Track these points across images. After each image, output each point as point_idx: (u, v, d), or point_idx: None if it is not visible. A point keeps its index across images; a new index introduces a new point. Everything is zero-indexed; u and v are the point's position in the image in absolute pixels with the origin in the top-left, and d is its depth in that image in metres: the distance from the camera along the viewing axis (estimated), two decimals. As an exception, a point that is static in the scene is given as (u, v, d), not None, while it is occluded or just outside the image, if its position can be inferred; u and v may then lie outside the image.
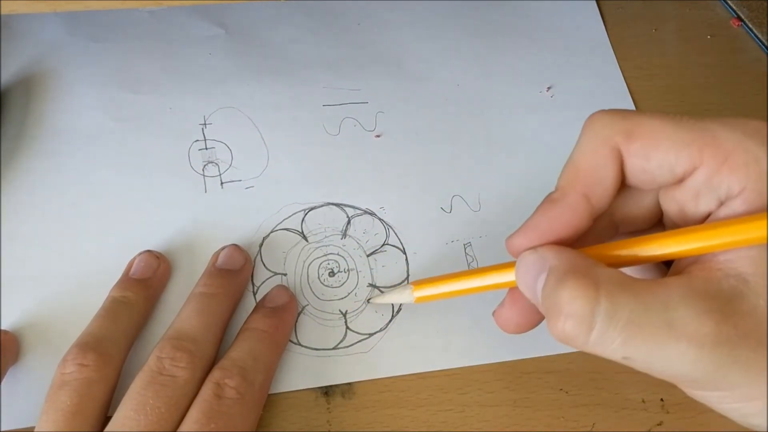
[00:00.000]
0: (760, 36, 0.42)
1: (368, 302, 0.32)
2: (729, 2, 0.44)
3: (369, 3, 0.41)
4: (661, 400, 0.30)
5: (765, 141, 0.20)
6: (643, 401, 0.30)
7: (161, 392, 0.25)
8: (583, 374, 0.31)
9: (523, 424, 0.29)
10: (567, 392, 0.30)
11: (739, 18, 0.43)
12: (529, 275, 0.23)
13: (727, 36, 0.43)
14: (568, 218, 0.23)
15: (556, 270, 0.21)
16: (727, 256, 0.21)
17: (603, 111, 0.23)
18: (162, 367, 0.26)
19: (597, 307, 0.20)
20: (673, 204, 0.24)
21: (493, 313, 0.26)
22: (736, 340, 0.19)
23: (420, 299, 0.29)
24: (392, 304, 0.32)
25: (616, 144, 0.22)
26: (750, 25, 0.43)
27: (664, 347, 0.19)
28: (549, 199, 0.24)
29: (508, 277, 0.25)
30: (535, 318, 0.25)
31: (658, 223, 0.25)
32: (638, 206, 0.25)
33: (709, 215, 0.22)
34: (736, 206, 0.21)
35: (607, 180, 0.23)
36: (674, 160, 0.22)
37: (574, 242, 0.24)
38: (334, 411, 0.29)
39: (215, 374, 0.26)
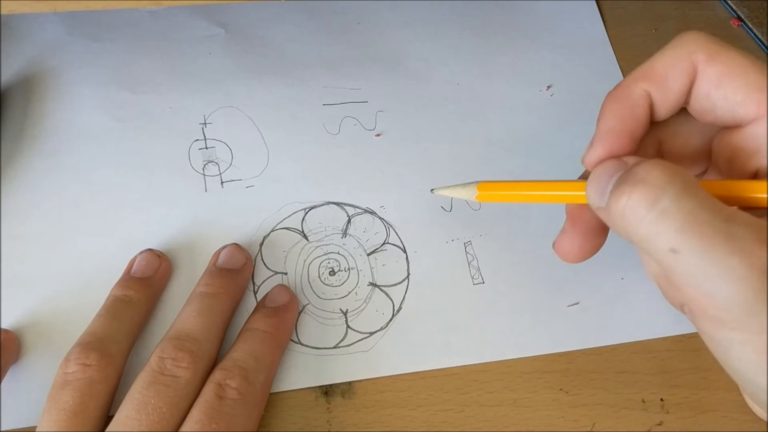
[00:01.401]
0: (760, 36, 0.42)
1: (431, 191, 0.30)
2: (729, 2, 0.44)
3: (369, 2, 0.41)
4: (661, 400, 0.30)
5: None
6: (643, 401, 0.30)
7: (163, 392, 0.25)
8: (583, 374, 0.31)
9: (523, 424, 0.29)
10: (567, 392, 0.30)
11: (739, 18, 0.43)
12: (605, 175, 0.22)
13: (727, 36, 0.43)
14: (631, 111, 0.23)
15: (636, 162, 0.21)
16: None
17: (698, 31, 0.23)
18: (164, 367, 0.26)
19: (671, 183, 0.19)
20: (726, 149, 0.23)
21: (553, 244, 0.26)
22: None
23: (482, 197, 0.28)
24: (392, 303, 0.32)
25: (696, 60, 0.22)
26: (750, 25, 0.43)
27: (716, 253, 0.18)
28: (612, 97, 0.24)
29: (576, 190, 0.24)
30: (596, 241, 0.25)
31: (702, 166, 0.25)
32: (689, 139, 0.25)
33: (756, 173, 0.22)
34: None
35: (675, 87, 0.23)
36: (741, 99, 0.21)
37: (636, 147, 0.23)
38: (334, 411, 0.29)
39: (217, 375, 0.26)
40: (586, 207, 0.24)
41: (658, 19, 0.43)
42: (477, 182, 0.28)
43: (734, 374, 0.21)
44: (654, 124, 0.25)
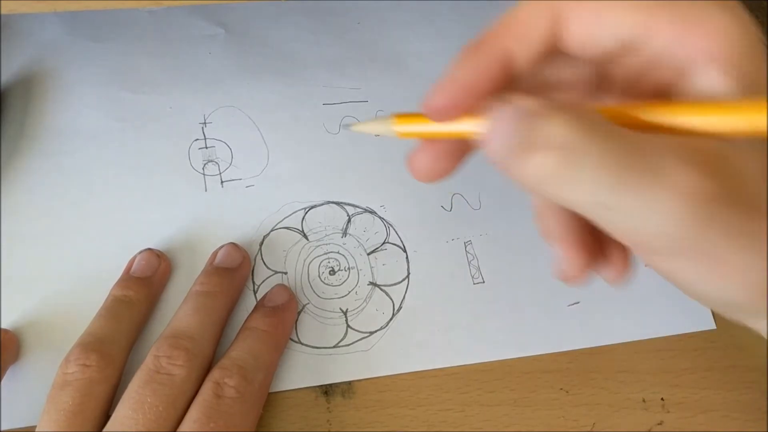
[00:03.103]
0: None
1: (344, 127, 0.28)
2: None
3: (369, 2, 0.41)
4: (662, 399, 0.30)
5: (727, 8, 0.19)
6: (644, 401, 0.30)
7: (159, 391, 0.25)
8: (584, 373, 0.31)
9: (523, 424, 0.29)
10: (567, 391, 0.30)
11: None
12: (508, 131, 0.19)
13: None
14: (484, 70, 0.20)
15: (541, 107, 0.18)
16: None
17: None
18: (159, 365, 0.26)
19: (584, 139, 0.17)
20: (623, 74, 0.21)
21: (407, 160, 0.24)
22: (720, 198, 0.18)
23: (401, 133, 0.23)
24: (392, 302, 0.31)
25: (560, 8, 0.20)
26: None
27: (649, 196, 0.17)
28: (465, 50, 0.21)
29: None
30: (454, 164, 0.23)
31: (597, 96, 0.23)
32: (576, 75, 0.23)
33: (668, 87, 0.20)
34: (711, 78, 0.19)
35: (535, 37, 0.21)
36: (621, 24, 0.20)
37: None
38: (334, 410, 0.29)
39: (215, 373, 0.26)
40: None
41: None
42: (393, 114, 0.24)
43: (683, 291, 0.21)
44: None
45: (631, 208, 0.18)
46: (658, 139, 0.18)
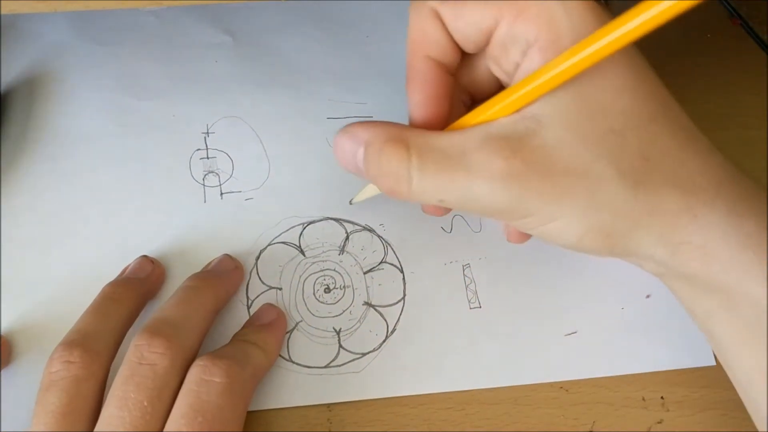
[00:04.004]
0: (760, 35, 0.42)
1: (350, 203, 0.33)
2: (728, 1, 0.43)
3: (379, 15, 0.41)
4: (662, 398, 0.30)
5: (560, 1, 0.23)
6: (643, 399, 0.30)
7: (142, 384, 0.24)
8: (584, 372, 0.30)
9: (523, 422, 0.29)
10: (567, 390, 0.30)
11: (739, 17, 0.43)
12: (347, 154, 0.26)
13: (726, 35, 0.43)
14: (429, 82, 0.26)
15: (373, 142, 0.25)
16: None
17: None
18: (140, 355, 0.25)
19: (409, 164, 0.24)
20: (494, 65, 0.26)
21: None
22: (524, 172, 0.23)
23: None
24: (387, 324, 0.31)
25: (434, 7, 0.25)
26: (749, 24, 0.42)
27: (466, 187, 0.23)
28: (407, 83, 0.26)
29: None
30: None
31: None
32: (479, 74, 0.28)
33: (517, 66, 0.24)
34: (533, 55, 0.23)
35: (441, 40, 0.25)
36: (480, 17, 0.24)
37: (450, 112, 0.27)
38: (334, 409, 0.29)
39: (200, 359, 0.25)
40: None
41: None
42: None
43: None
44: (459, 73, 0.28)
45: (464, 200, 0.24)
46: (469, 139, 0.23)
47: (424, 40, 0.25)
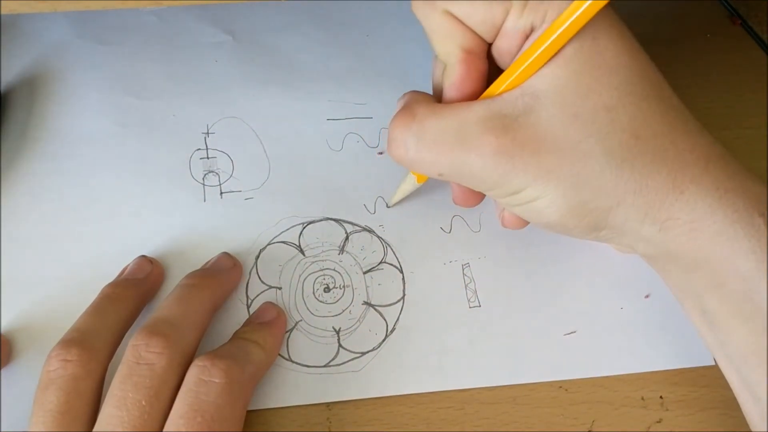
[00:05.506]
0: (760, 35, 0.42)
1: (387, 207, 0.34)
2: (728, 1, 0.43)
3: (379, 14, 0.41)
4: (661, 397, 0.30)
5: None
6: (643, 399, 0.30)
7: (140, 384, 0.24)
8: (583, 371, 0.30)
9: (522, 422, 0.29)
10: (566, 390, 0.30)
11: (739, 17, 0.43)
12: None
13: (726, 35, 0.43)
14: (477, 73, 0.26)
15: (398, 106, 0.27)
16: (530, 77, 0.24)
17: None
18: (138, 355, 0.25)
19: (409, 130, 0.25)
20: (504, 52, 0.26)
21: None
22: (513, 149, 0.24)
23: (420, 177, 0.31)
24: (386, 323, 0.31)
25: (446, 8, 0.25)
26: (749, 24, 0.42)
27: (461, 161, 0.25)
28: (440, 70, 0.27)
29: None
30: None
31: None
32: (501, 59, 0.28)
33: (520, 48, 0.25)
34: (536, 37, 0.24)
35: (465, 33, 0.26)
36: (490, 14, 0.25)
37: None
38: (334, 409, 0.29)
39: (200, 359, 0.25)
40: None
41: (656, 18, 0.43)
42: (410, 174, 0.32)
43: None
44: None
45: (460, 174, 0.25)
46: (470, 113, 0.25)
47: (447, 34, 0.26)
